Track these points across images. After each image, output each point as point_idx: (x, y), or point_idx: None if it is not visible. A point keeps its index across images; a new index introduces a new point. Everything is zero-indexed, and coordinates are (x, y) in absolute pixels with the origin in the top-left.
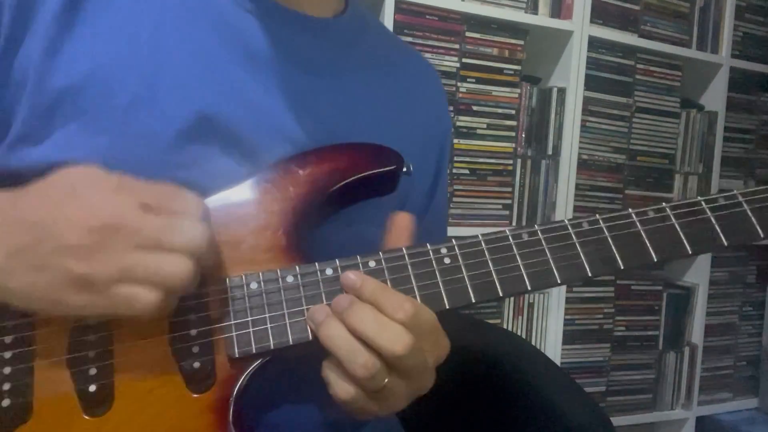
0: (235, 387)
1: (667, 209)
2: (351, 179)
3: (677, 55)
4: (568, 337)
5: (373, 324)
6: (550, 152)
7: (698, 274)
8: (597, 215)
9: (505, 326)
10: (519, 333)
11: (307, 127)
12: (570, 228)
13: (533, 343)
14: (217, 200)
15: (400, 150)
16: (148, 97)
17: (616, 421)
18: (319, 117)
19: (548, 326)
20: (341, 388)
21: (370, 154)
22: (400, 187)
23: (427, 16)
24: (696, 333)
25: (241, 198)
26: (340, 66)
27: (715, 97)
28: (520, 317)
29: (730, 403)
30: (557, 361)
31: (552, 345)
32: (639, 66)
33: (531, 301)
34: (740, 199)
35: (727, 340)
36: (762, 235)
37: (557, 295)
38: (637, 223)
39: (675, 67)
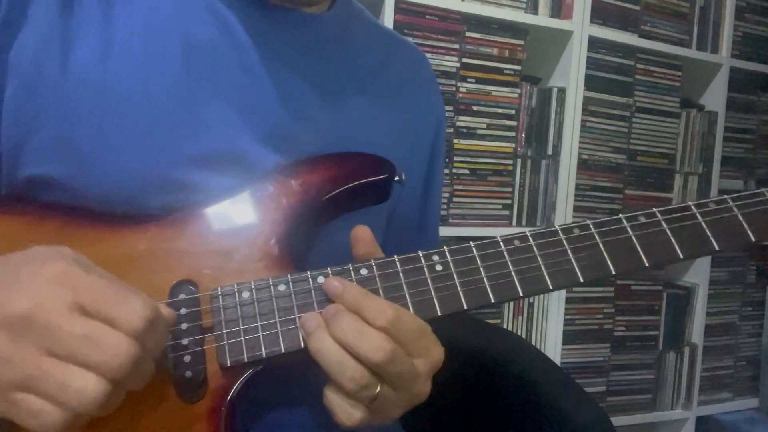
0: (228, 396)
1: (658, 214)
2: (342, 188)
3: (677, 55)
4: (568, 337)
5: (353, 333)
6: (550, 152)
7: (698, 274)
8: (588, 221)
9: (505, 326)
10: (519, 333)
11: (297, 130)
12: (561, 234)
13: (533, 343)
14: (209, 209)
15: (388, 148)
16: (141, 94)
17: (616, 421)
18: (308, 118)
19: (548, 326)
20: (339, 408)
21: (362, 164)
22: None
23: (427, 16)
24: (696, 333)
25: (233, 207)
26: (328, 65)
27: (715, 97)
28: (520, 317)
29: (730, 403)
30: (557, 361)
31: (552, 345)
32: (639, 66)
33: (531, 301)
34: (731, 203)
35: (727, 340)
36: (753, 239)
37: (557, 295)
38: (628, 229)
39: (675, 67)
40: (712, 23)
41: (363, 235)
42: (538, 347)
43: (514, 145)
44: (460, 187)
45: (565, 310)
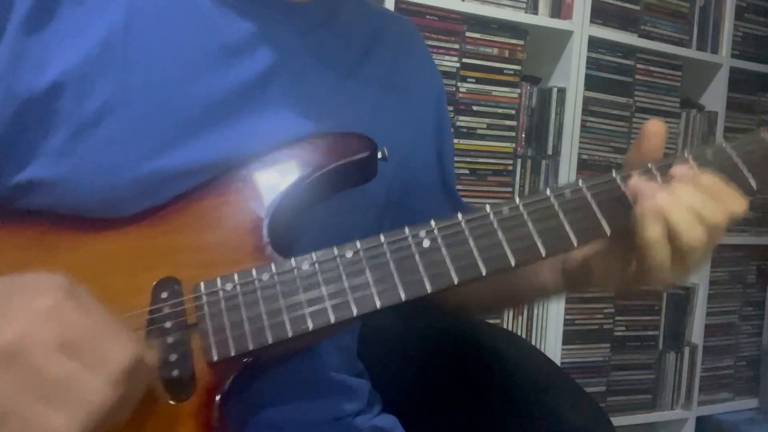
0: (217, 393)
1: (654, 169)
2: (322, 171)
3: (677, 55)
4: (568, 337)
5: (701, 196)
6: (550, 152)
7: (698, 274)
8: (580, 182)
9: (505, 326)
10: (519, 333)
11: (288, 121)
12: (553, 199)
13: (533, 343)
14: (188, 205)
15: (388, 128)
16: (120, 101)
17: (616, 421)
18: (302, 108)
19: (548, 326)
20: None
21: (342, 144)
22: (397, 161)
23: (427, 16)
24: (696, 333)
25: (214, 201)
26: (318, 52)
27: (715, 97)
28: (520, 317)
29: (730, 403)
30: (557, 361)
31: (552, 345)
32: (639, 66)
33: None
34: (725, 146)
35: (727, 340)
36: (755, 187)
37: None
38: (618, 180)
39: (675, 67)
40: (712, 23)
41: (655, 129)
42: (538, 347)
43: (514, 145)
44: (460, 187)
45: (565, 310)
